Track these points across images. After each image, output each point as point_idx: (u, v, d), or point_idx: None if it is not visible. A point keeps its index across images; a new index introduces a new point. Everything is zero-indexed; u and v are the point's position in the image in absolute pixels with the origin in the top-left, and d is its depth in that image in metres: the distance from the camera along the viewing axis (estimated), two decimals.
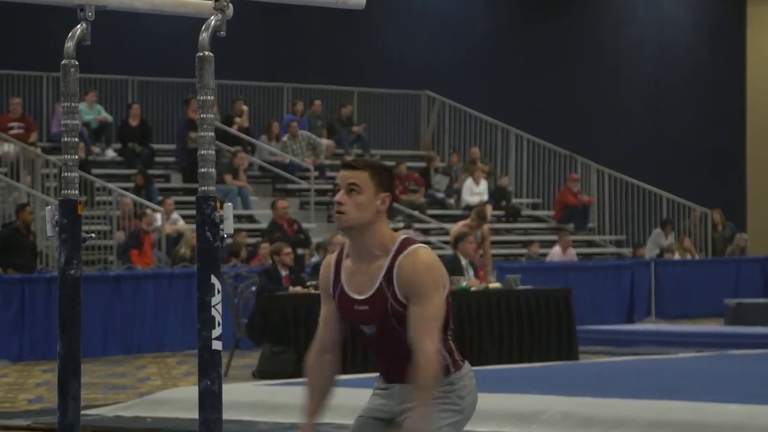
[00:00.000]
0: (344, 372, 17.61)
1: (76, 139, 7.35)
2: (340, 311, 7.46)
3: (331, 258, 7.57)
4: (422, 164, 33.64)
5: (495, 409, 14.52)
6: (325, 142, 32.35)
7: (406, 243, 7.34)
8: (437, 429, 7.32)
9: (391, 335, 7.16)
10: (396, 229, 23.50)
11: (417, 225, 28.35)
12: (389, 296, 7.09)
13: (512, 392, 15.32)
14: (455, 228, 23.60)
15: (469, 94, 34.68)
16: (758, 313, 25.65)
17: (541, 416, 14.08)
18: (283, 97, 32.98)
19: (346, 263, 7.34)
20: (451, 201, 32.61)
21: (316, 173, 31.17)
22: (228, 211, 6.88)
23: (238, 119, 31.05)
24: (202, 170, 7.11)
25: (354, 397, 15.35)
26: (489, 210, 24.72)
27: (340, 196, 7.14)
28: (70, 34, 7.04)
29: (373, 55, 33.70)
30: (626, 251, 33.33)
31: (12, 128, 28.74)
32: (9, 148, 28.20)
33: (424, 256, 7.27)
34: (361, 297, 7.16)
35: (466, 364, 7.58)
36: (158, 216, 26.78)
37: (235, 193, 28.81)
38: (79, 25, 7.02)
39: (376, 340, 7.27)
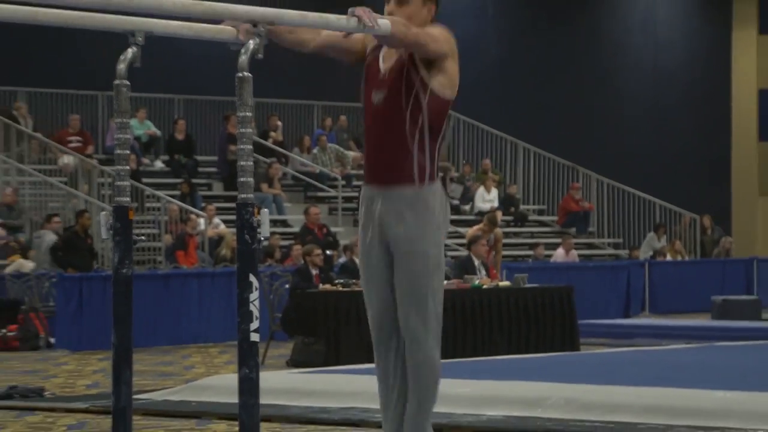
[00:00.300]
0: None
1: (128, 152, 7.35)
2: (367, 80, 7.68)
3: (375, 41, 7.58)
4: (440, 174, 33.58)
5: (504, 395, 14.45)
6: (351, 153, 32.33)
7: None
8: (425, 249, 7.55)
9: (393, 109, 7.32)
10: None
11: None
12: (407, 62, 7.30)
13: (520, 380, 15.24)
14: (470, 232, 23.58)
15: (481, 111, 34.64)
16: (742, 309, 25.68)
17: (546, 402, 14.00)
18: (314, 113, 32.99)
19: (386, 50, 7.49)
20: (466, 207, 32.56)
21: (343, 182, 31.14)
22: (264, 216, 6.84)
23: (273, 133, 31.05)
24: (241, 179, 7.07)
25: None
26: (499, 216, 24.68)
27: (390, 7, 7.32)
28: (122, 57, 7.06)
29: None
30: (623, 253, 33.26)
31: (71, 142, 28.80)
32: (69, 160, 28.25)
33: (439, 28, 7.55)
34: (386, 66, 7.40)
35: (438, 181, 7.72)
36: (201, 221, 26.77)
37: (270, 200, 28.78)
38: (129, 49, 7.04)
39: (379, 114, 7.46)
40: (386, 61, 7.42)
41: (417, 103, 7.28)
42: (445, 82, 7.42)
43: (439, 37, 7.51)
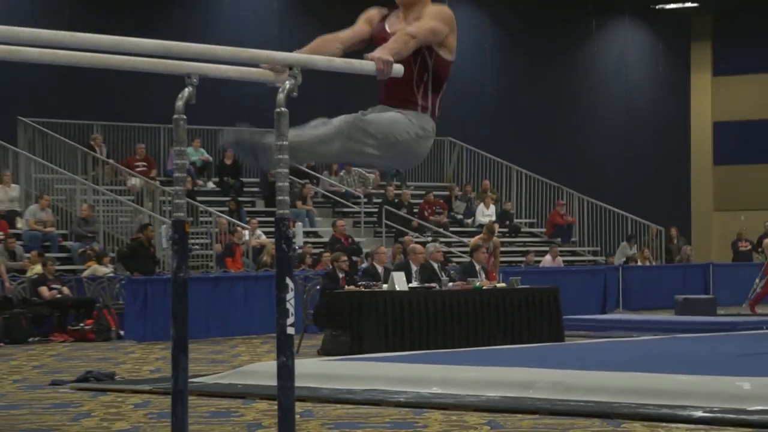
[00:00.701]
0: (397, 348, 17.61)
1: (185, 175, 7.35)
2: (374, 37, 7.54)
3: (379, 13, 7.61)
4: (446, 193, 33.50)
5: (501, 379, 14.43)
6: (371, 176, 32.29)
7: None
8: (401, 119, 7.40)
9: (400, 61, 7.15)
10: (423, 244, 23.68)
11: (441, 239, 28.19)
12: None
13: (513, 366, 15.23)
14: (473, 241, 23.56)
15: (481, 140, 34.64)
16: (700, 306, 25.75)
17: (536, 384, 13.97)
18: None
19: (392, 19, 7.49)
20: (468, 221, 32.48)
21: (365, 200, 31.08)
22: (298, 229, 6.90)
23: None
24: (279, 198, 7.07)
25: (399, 370, 15.31)
26: (496, 227, 24.65)
27: None
28: (180, 95, 7.08)
29: None
30: (600, 259, 33.18)
31: (138, 167, 28.92)
32: (135, 181, 28.38)
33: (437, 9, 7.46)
34: (393, 30, 7.36)
35: (433, 122, 7.53)
36: (246, 232, 26.77)
37: (303, 215, 28.77)
38: (186, 89, 7.05)
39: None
40: (392, 27, 7.43)
41: (423, 63, 7.31)
42: (446, 50, 7.45)
43: (436, 25, 7.46)
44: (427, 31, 7.36)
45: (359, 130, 7.39)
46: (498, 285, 21.60)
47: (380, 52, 7.19)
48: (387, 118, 7.42)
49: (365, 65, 7.25)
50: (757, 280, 28.34)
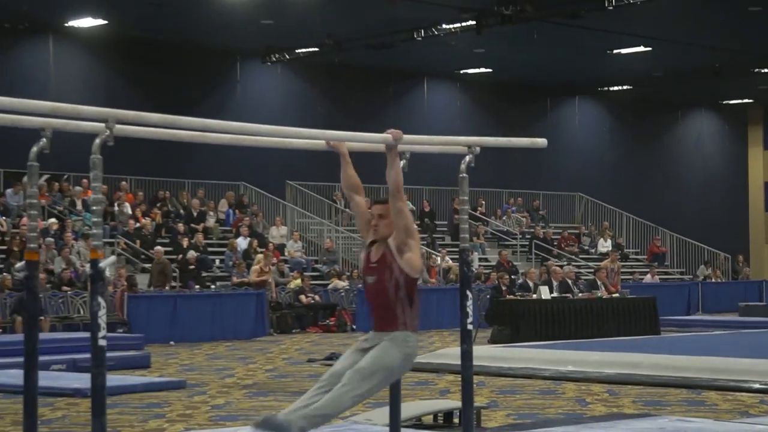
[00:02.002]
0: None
1: None
2: (362, 269, 6.70)
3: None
4: (576, 231, 33.16)
5: (616, 360, 14.29)
6: (524, 219, 32.12)
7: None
8: (388, 355, 6.50)
9: (382, 284, 6.50)
10: (561, 266, 23.52)
11: (573, 263, 27.87)
12: (389, 254, 6.46)
13: (625, 351, 15.07)
14: (603, 263, 23.46)
15: (601, 193, 34.32)
16: (757, 310, 25.56)
17: (641, 365, 13.82)
18: (503, 196, 32.87)
19: (373, 247, 6.57)
20: (592, 250, 32.14)
21: (520, 236, 30.91)
22: (475, 256, 6.85)
23: (479, 207, 31.01)
24: (462, 235, 7.02)
25: (544, 354, 15.22)
26: (613, 255, 24.40)
27: (375, 220, 6.54)
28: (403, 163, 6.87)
29: (550, 171, 33.43)
30: (686, 277, 32.64)
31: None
32: None
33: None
34: (375, 257, 6.55)
35: (415, 336, 6.66)
36: (439, 258, 26.73)
37: (478, 246, 28.64)
38: (403, 161, 6.83)
39: (371, 290, 6.55)
40: (374, 254, 6.58)
41: (397, 285, 6.47)
42: (411, 269, 6.47)
43: (411, 226, 6.62)
44: (404, 228, 6.56)
45: (360, 377, 6.42)
46: (614, 295, 21.37)
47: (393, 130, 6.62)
48: (379, 353, 6.50)
49: (382, 136, 6.82)
50: None
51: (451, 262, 26.43)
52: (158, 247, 22.64)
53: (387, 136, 6.58)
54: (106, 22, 24.94)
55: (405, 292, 6.58)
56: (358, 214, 6.85)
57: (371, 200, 7.01)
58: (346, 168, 6.82)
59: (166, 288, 21.68)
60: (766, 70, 30.94)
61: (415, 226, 6.71)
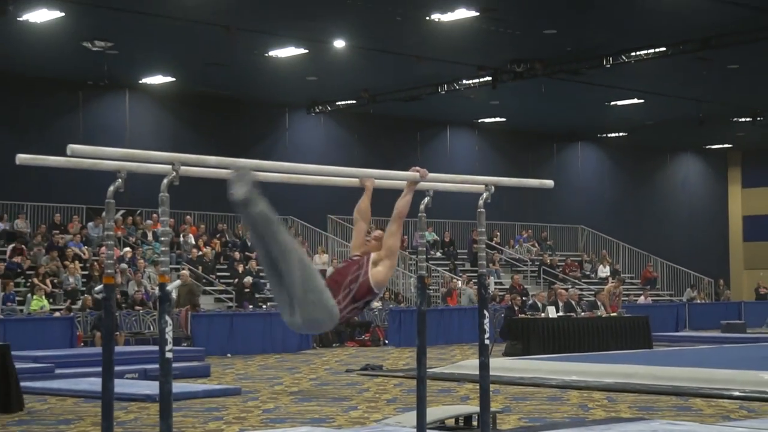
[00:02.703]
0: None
1: (423, 248, 7.26)
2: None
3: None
4: (579, 258, 32.98)
5: (614, 371, 14.21)
6: (534, 249, 31.96)
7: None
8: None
9: (345, 271, 6.10)
10: (566, 289, 23.44)
11: (576, 286, 27.67)
12: (366, 260, 6.10)
13: (622, 363, 14.97)
14: (607, 287, 23.30)
15: (600, 225, 34.18)
16: (736, 328, 25.40)
17: (636, 374, 13.74)
18: (515, 228, 32.76)
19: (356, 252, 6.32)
20: (593, 275, 31.97)
21: (530, 263, 30.78)
22: (491, 280, 6.77)
23: (495, 238, 30.90)
24: (480, 262, 7.00)
25: (551, 365, 15.12)
26: (617, 282, 24.29)
27: (373, 240, 6.29)
28: (423, 202, 6.79)
29: (556, 206, 33.29)
30: (675, 298, 32.40)
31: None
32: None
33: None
34: (352, 256, 6.29)
35: (338, 314, 5.91)
36: (459, 282, 26.61)
37: (494, 272, 28.54)
38: (426, 198, 6.79)
39: (336, 270, 6.24)
40: (354, 255, 6.31)
41: (356, 279, 6.02)
42: (374, 280, 6.10)
43: (394, 244, 6.31)
44: (391, 249, 6.28)
45: (305, 296, 5.80)
46: (612, 314, 21.26)
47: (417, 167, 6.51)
48: (317, 303, 5.85)
49: (410, 174, 6.74)
50: None
51: (469, 284, 26.34)
52: (184, 271, 21.89)
53: (415, 174, 6.53)
54: (174, 79, 25.15)
55: (357, 290, 6.09)
56: (357, 236, 6.52)
57: (375, 227, 6.77)
58: (365, 199, 6.66)
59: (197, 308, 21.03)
60: (743, 120, 30.92)
61: (398, 253, 6.42)
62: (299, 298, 5.83)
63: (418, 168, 6.55)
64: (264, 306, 23.13)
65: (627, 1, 18.54)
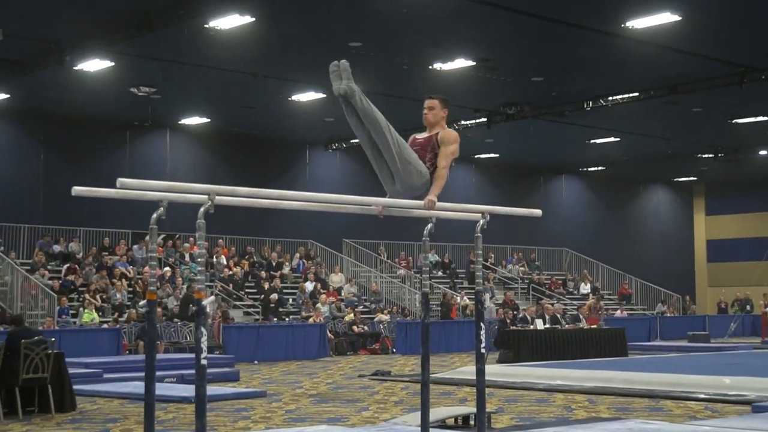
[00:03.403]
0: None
1: (427, 267, 7.13)
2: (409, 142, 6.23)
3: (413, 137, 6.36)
4: (563, 277, 32.92)
5: (593, 376, 14.14)
6: (523, 268, 31.88)
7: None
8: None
9: (422, 151, 6.09)
10: (552, 303, 23.36)
11: (561, 301, 27.64)
12: (434, 138, 6.19)
13: (601, 369, 14.91)
14: (588, 303, 23.26)
15: (582, 247, 34.11)
16: (701, 338, 25.20)
17: (613, 379, 13.67)
18: (507, 251, 32.68)
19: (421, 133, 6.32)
20: (575, 292, 31.87)
21: (520, 281, 30.71)
22: (486, 297, 6.71)
23: (489, 259, 30.84)
24: (476, 280, 6.95)
25: (538, 371, 15.05)
26: (597, 298, 24.20)
27: (426, 109, 6.32)
28: (426, 230, 6.67)
29: (543, 231, 33.21)
30: (648, 312, 32.24)
31: (402, 263, 28.88)
32: (402, 271, 28.35)
33: (450, 134, 6.24)
34: (420, 138, 6.30)
35: (427, 175, 6.18)
36: (458, 297, 26.49)
37: (488, 289, 28.36)
38: (429, 224, 6.65)
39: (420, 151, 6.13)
40: (419, 136, 6.38)
41: (434, 154, 6.10)
42: (445, 140, 6.21)
43: (454, 148, 6.23)
44: (451, 156, 6.22)
45: (400, 149, 6.01)
46: (593, 326, 21.18)
47: (432, 194, 6.21)
48: (414, 171, 6.06)
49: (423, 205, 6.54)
50: (731, 325, 27.93)
51: (468, 300, 26.27)
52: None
53: (422, 203, 6.40)
54: (209, 120, 25.24)
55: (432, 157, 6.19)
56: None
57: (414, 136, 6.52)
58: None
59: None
60: (706, 156, 30.91)
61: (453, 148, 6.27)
62: (399, 170, 6.04)
63: (427, 200, 6.40)
64: (287, 319, 23.10)
65: (604, 52, 18.58)
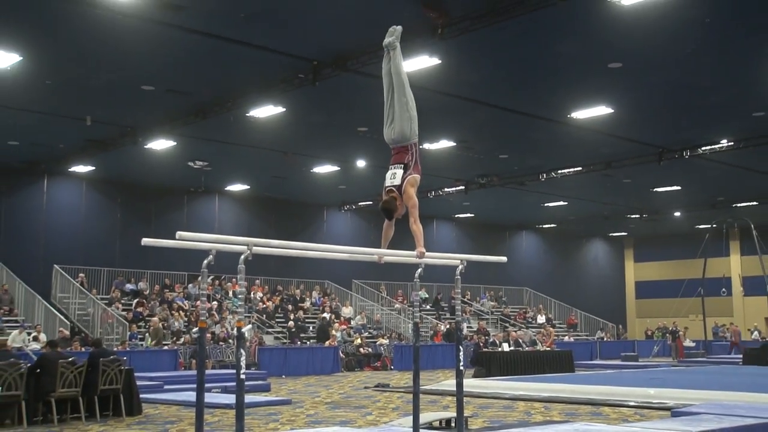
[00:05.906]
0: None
1: (417, 304, 6.95)
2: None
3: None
4: (525, 310, 32.67)
5: (547, 387, 13.99)
6: (492, 303, 31.58)
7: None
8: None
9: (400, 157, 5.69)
10: (515, 331, 23.10)
11: (522, 329, 27.37)
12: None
13: (553, 383, 14.75)
14: (542, 330, 23.00)
15: (538, 286, 33.91)
16: (631, 358, 24.99)
17: (563, 390, 13.53)
18: (480, 290, 32.46)
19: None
20: (533, 321, 31.58)
21: (490, 313, 30.44)
22: (464, 325, 6.55)
23: (466, 295, 30.63)
24: (456, 312, 6.86)
25: (505, 384, 14.87)
26: (549, 327, 24.02)
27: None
28: (416, 273, 6.63)
29: (509, 274, 33.04)
30: (590, 338, 31.95)
31: (399, 299, 28.45)
32: (398, 305, 27.93)
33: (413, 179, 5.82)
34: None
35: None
36: (442, 326, 26.05)
37: (466, 318, 27.86)
38: (419, 269, 6.63)
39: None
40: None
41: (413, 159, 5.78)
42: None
43: (413, 192, 5.84)
44: (414, 206, 5.85)
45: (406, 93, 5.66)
46: (547, 348, 20.99)
47: (420, 247, 5.90)
48: (411, 119, 5.70)
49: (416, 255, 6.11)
50: (654, 348, 27.76)
51: (446, 327, 26.00)
52: (154, 319, 20.08)
53: (415, 253, 6.35)
54: (249, 187, 25.33)
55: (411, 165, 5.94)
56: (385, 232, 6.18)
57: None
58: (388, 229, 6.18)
59: (163, 344, 18.94)
60: (634, 216, 30.98)
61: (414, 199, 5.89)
62: (400, 115, 6.05)
63: (417, 251, 6.34)
64: (308, 342, 22.93)
65: (554, 136, 18.71)
